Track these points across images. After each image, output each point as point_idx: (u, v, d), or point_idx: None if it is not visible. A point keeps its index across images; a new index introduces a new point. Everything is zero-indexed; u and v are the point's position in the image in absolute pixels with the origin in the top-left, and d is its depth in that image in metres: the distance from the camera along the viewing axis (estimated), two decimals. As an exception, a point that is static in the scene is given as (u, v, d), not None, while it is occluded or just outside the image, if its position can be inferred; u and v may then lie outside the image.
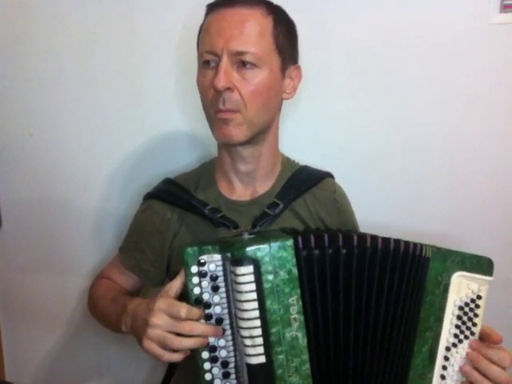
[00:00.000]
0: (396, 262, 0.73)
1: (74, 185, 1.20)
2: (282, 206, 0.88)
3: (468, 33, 1.10)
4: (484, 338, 0.75)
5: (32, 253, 1.24)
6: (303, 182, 0.94)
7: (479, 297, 0.75)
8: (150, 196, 0.95)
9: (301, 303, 0.68)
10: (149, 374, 1.27)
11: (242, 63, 0.78)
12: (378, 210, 1.17)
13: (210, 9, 0.83)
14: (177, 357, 0.70)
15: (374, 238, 0.73)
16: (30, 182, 1.21)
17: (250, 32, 0.78)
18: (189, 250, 0.71)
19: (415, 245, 0.74)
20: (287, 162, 0.97)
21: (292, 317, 0.68)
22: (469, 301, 0.74)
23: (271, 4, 0.83)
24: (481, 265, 0.75)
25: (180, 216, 0.90)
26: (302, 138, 1.16)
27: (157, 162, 1.18)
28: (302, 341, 0.68)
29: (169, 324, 0.69)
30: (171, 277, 0.93)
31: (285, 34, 0.83)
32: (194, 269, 0.71)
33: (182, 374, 0.91)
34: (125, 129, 1.18)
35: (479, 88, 1.12)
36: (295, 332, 0.68)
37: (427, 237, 1.14)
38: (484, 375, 0.72)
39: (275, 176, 0.93)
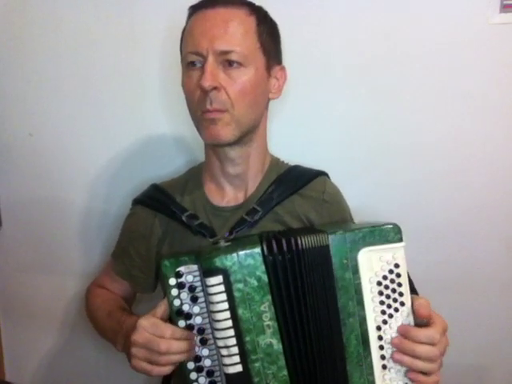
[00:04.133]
0: (299, 258, 0.72)
1: (73, 185, 1.20)
2: (261, 213, 0.87)
3: (468, 33, 1.10)
4: (415, 313, 0.73)
5: (32, 253, 1.24)
6: (290, 183, 0.92)
7: (397, 265, 0.72)
8: (136, 202, 0.95)
9: (273, 309, 0.68)
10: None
11: (227, 63, 0.78)
12: (378, 210, 1.16)
13: (192, 11, 0.83)
14: (166, 370, 0.71)
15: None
16: (30, 182, 1.21)
17: (233, 31, 0.78)
18: (166, 262, 0.71)
19: (310, 237, 0.72)
20: (275, 164, 0.95)
21: (265, 324, 0.68)
22: (387, 273, 0.72)
23: (253, 5, 0.84)
24: (385, 235, 0.72)
25: (163, 222, 0.90)
26: (301, 139, 1.15)
27: (157, 162, 1.18)
28: (278, 347, 0.68)
29: (149, 341, 0.69)
30: (161, 283, 0.93)
31: (268, 33, 0.83)
32: (172, 281, 0.71)
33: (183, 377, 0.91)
34: (125, 129, 1.18)
35: (479, 88, 1.12)
36: (269, 339, 0.68)
37: (427, 237, 1.15)
38: (413, 356, 0.71)
39: (261, 177, 0.92)
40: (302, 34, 1.05)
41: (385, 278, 0.73)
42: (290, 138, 1.11)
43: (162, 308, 0.72)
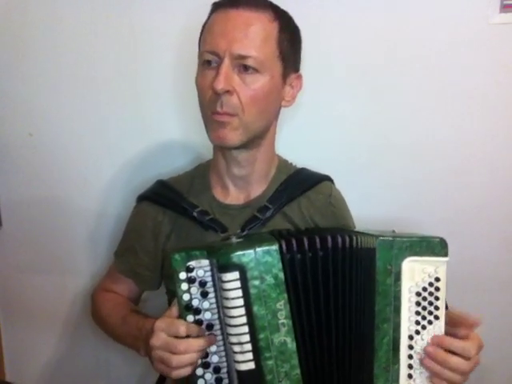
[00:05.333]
0: (346, 257, 0.73)
1: (73, 185, 1.20)
2: (272, 209, 0.87)
3: (468, 33, 1.10)
4: (457, 324, 0.73)
5: (32, 253, 1.24)
6: (298, 184, 0.93)
7: (437, 279, 0.73)
8: (142, 198, 0.95)
9: (288, 308, 0.68)
10: (147, 374, 1.27)
11: (243, 67, 0.77)
12: (378, 211, 1.16)
13: (215, 8, 0.81)
14: (184, 372, 0.70)
15: (334, 237, 0.73)
16: (30, 182, 1.21)
17: (254, 36, 0.77)
18: (176, 256, 0.70)
19: (358, 237, 0.73)
20: (284, 165, 0.96)
21: (280, 322, 0.68)
22: (426, 285, 0.72)
23: (278, 9, 0.82)
24: (432, 247, 0.73)
25: (172, 218, 0.90)
26: (302, 140, 1.15)
27: (157, 162, 1.18)
28: (291, 345, 0.68)
29: (166, 344, 0.69)
30: (165, 280, 0.94)
31: (289, 40, 0.82)
32: (183, 275, 0.70)
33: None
34: (125, 130, 1.17)
35: (479, 88, 1.12)
36: (284, 337, 0.68)
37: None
38: (444, 366, 0.71)
39: (269, 180, 0.92)
40: (302, 33, 1.05)
41: (424, 289, 0.73)
42: (290, 138, 1.11)
43: (177, 307, 0.72)
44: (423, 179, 1.17)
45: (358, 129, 1.16)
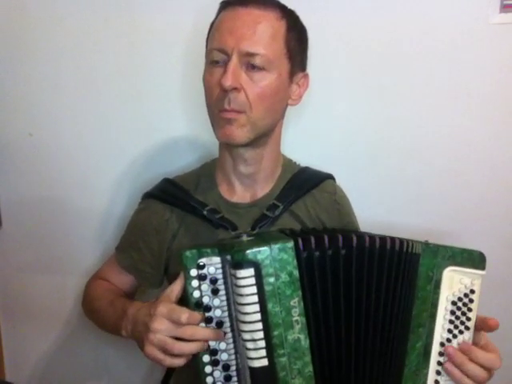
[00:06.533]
0: (389, 260, 0.73)
1: (73, 185, 1.20)
2: (281, 207, 0.88)
3: (468, 33, 1.10)
4: (480, 325, 0.74)
5: (32, 253, 1.24)
6: (304, 183, 0.93)
7: (472, 291, 0.74)
8: (149, 196, 0.95)
9: (302, 305, 0.68)
10: (147, 374, 1.27)
11: (251, 65, 0.78)
12: (378, 209, 1.17)
13: (224, 6, 0.82)
14: (178, 362, 0.70)
15: (372, 237, 0.73)
16: (30, 182, 1.20)
17: (262, 34, 0.78)
18: (187, 253, 0.70)
19: (406, 241, 0.74)
20: (288, 164, 0.97)
21: (294, 319, 0.68)
22: (462, 295, 0.74)
23: (286, 8, 0.83)
24: (472, 259, 0.74)
25: (179, 217, 0.90)
26: (302, 138, 1.15)
27: (157, 162, 1.18)
28: (305, 343, 0.68)
29: (169, 329, 0.68)
30: (169, 279, 0.94)
31: (297, 39, 0.83)
32: (194, 272, 0.70)
33: (183, 376, 0.91)
34: (125, 129, 1.17)
35: (479, 88, 1.12)
36: (297, 334, 0.68)
37: (427, 236, 1.14)
38: (464, 373, 0.72)
39: (275, 178, 0.93)
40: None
41: (460, 299, 0.74)
42: (291, 138, 1.11)
43: (174, 292, 0.71)
44: (423, 179, 1.17)
45: (358, 129, 1.16)
